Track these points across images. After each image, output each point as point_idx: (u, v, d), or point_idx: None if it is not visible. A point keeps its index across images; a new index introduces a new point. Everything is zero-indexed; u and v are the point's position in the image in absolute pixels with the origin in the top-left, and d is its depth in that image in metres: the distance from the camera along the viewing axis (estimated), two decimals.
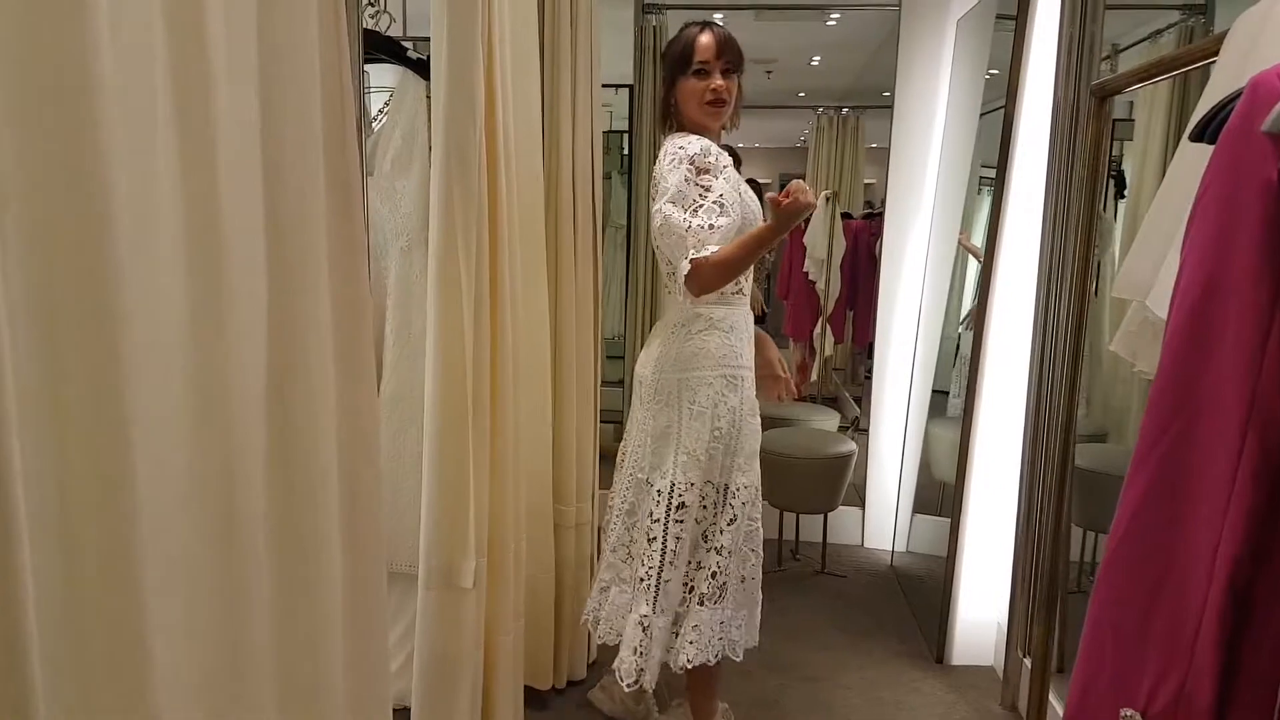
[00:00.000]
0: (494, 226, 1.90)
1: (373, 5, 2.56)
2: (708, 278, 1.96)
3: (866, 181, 4.86)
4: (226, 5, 0.91)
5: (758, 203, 2.15)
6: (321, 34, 1.08)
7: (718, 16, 4.25)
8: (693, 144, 2.04)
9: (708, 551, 2.10)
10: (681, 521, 2.07)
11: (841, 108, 4.76)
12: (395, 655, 2.34)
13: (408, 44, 2.50)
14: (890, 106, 3.75)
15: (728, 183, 2.04)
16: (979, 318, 2.73)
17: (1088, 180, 1.58)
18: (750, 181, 2.20)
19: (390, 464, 2.36)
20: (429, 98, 2.53)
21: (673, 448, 2.08)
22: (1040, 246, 2.41)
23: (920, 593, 3.35)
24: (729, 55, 2.08)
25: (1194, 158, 1.14)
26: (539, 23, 2.39)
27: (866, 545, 3.86)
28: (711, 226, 1.97)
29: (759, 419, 2.16)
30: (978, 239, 3.44)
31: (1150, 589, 0.86)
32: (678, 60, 2.09)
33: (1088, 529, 2.70)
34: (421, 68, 2.49)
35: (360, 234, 1.15)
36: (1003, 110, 3.23)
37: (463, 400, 1.83)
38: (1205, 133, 0.87)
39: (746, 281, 2.15)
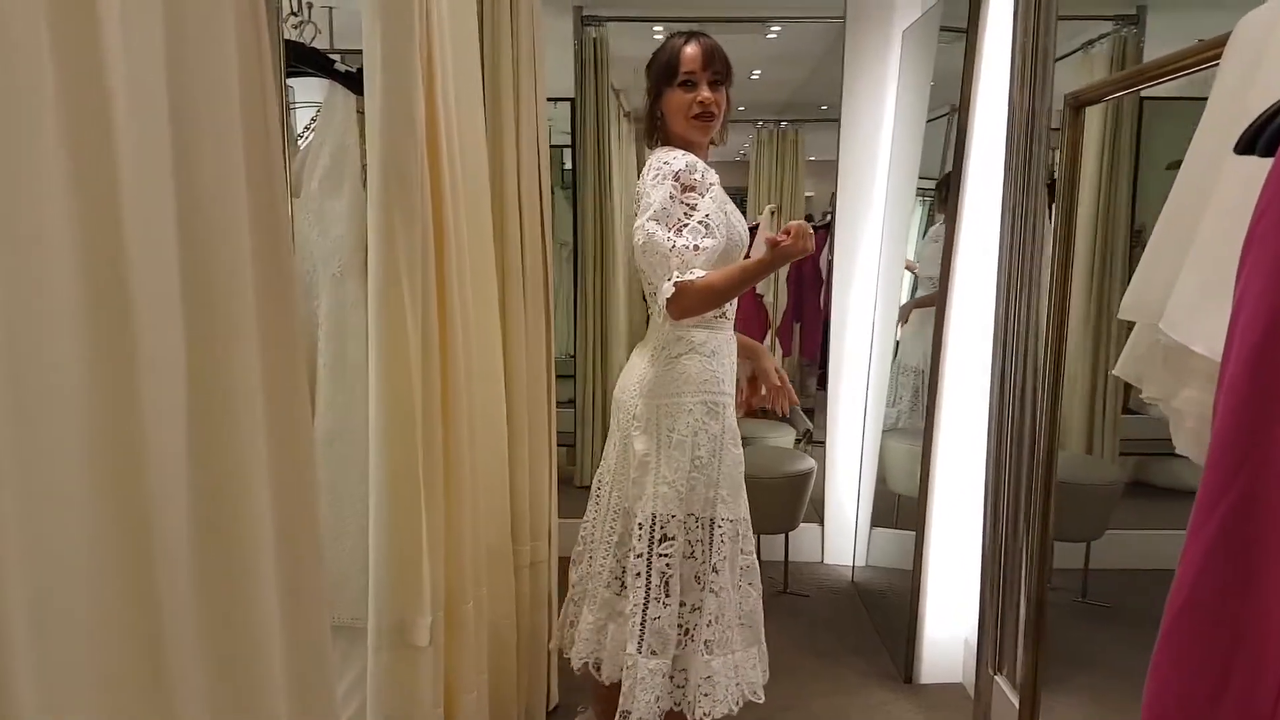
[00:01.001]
0: (440, 250, 1.77)
1: (295, 15, 2.41)
2: (690, 303, 1.87)
3: (807, 194, 4.85)
4: (124, 15, 0.77)
5: (744, 224, 2.06)
6: (240, 47, 0.94)
7: (657, 29, 4.18)
8: (679, 159, 1.94)
9: (703, 594, 1.97)
10: (666, 555, 1.95)
11: (781, 121, 4.73)
12: (346, 705, 2.18)
13: (335, 56, 2.35)
14: (831, 120, 3.72)
15: (714, 201, 1.94)
16: (936, 331, 2.68)
17: (1064, 191, 1.53)
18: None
19: (327, 510, 2.19)
20: (361, 113, 2.40)
21: (651, 477, 1.97)
22: (999, 257, 2.36)
23: (883, 609, 3.29)
24: (716, 66, 1.98)
25: (1202, 168, 1.07)
26: (479, 35, 2.26)
27: (827, 562, 3.80)
28: (696, 248, 1.87)
29: (741, 449, 2.05)
30: (913, 247, 3.41)
31: (1221, 659, 0.77)
32: (663, 71, 2.00)
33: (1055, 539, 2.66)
34: (351, 81, 2.34)
35: (289, 263, 1.01)
36: (945, 119, 3.21)
37: (412, 440, 1.69)
38: (1256, 144, 0.79)
39: (731, 306, 2.05)
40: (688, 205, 1.90)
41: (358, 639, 1.83)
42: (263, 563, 0.95)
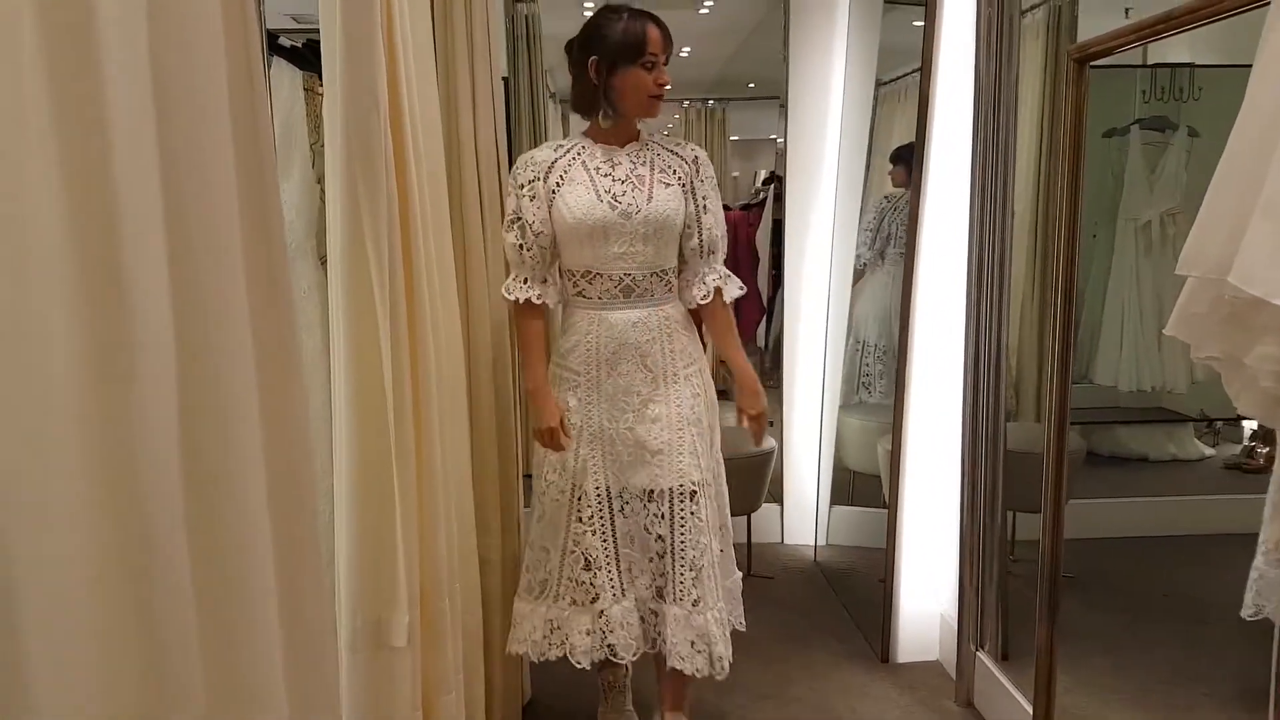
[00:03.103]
0: (406, 231, 1.67)
1: None
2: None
3: (733, 175, 4.81)
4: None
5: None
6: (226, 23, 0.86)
7: (589, 5, 4.09)
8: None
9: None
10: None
11: (708, 99, 4.69)
12: None
13: (274, 31, 2.22)
14: (758, 98, 3.68)
15: None
16: (904, 305, 2.66)
17: (1069, 152, 1.50)
18: None
19: None
20: (308, 89, 2.27)
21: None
22: (969, 229, 2.35)
23: (849, 588, 3.29)
24: (670, 49, 2.08)
25: (1264, 120, 1.03)
26: (430, 12, 2.16)
27: (787, 542, 3.78)
28: None
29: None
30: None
31: None
32: (623, 49, 2.02)
33: (1014, 510, 2.68)
34: (296, 56, 2.22)
35: (281, 245, 0.93)
36: (896, 89, 3.20)
37: (383, 431, 1.59)
38: None
39: None
40: None
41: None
42: (260, 560, 0.87)
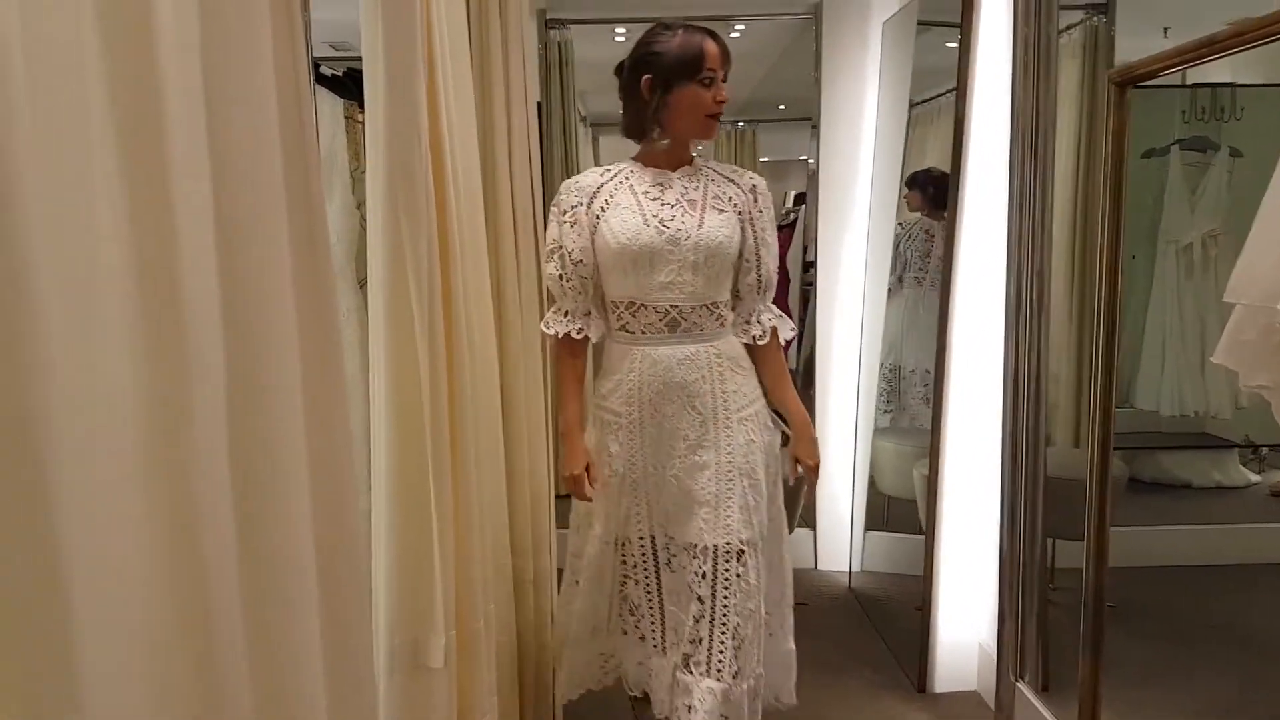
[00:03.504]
0: (445, 256, 1.69)
1: None
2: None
3: None
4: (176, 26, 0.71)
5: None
6: (275, 49, 0.88)
7: (620, 30, 4.14)
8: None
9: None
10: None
11: (738, 122, 4.70)
12: None
13: (316, 60, 2.27)
14: (787, 119, 3.69)
15: None
16: (940, 329, 2.64)
17: (1110, 177, 1.49)
18: None
19: None
20: (348, 117, 2.31)
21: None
22: (1007, 253, 2.33)
23: (885, 615, 3.24)
24: (729, 64, 1.92)
25: None
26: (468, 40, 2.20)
27: (820, 568, 3.74)
28: None
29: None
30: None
31: None
32: (679, 65, 1.88)
33: (1054, 537, 2.63)
34: (337, 85, 2.27)
35: (327, 260, 0.94)
36: (929, 112, 3.19)
37: (421, 452, 1.60)
38: None
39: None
40: None
41: None
42: (304, 579, 0.88)
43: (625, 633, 2.03)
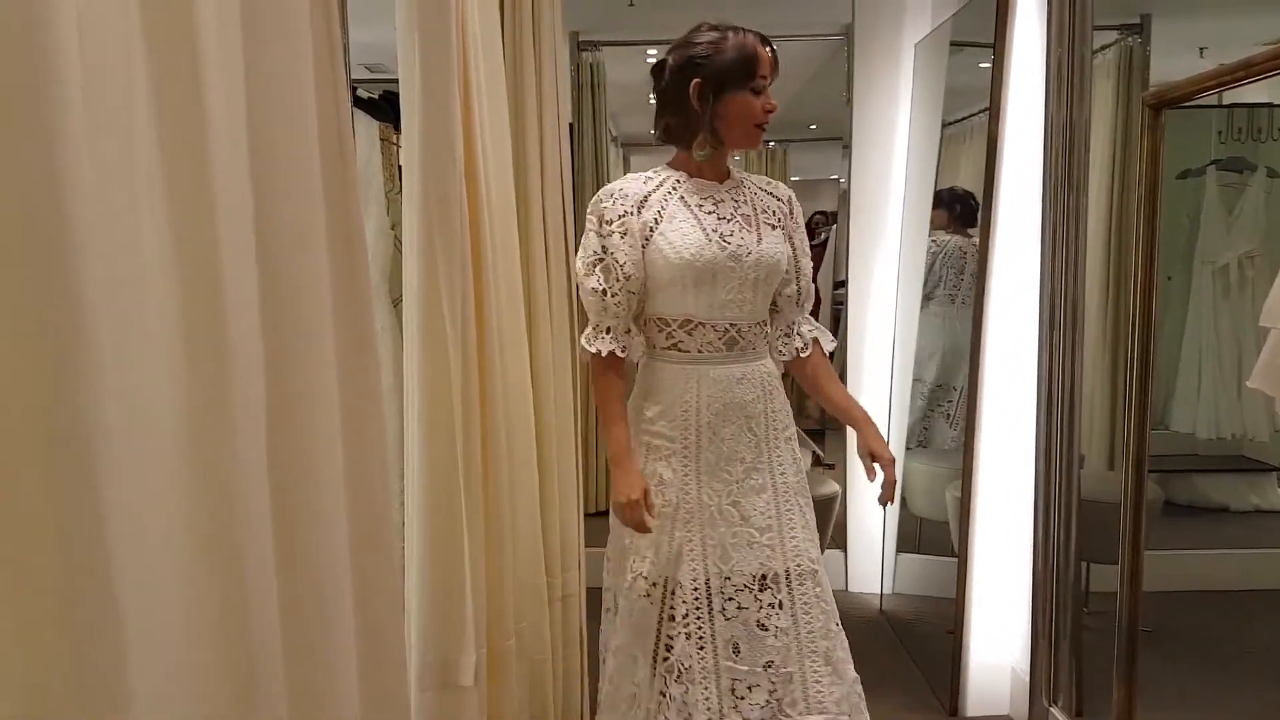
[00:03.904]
0: (479, 276, 1.71)
1: None
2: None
3: None
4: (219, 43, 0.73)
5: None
6: (316, 66, 0.90)
7: (651, 52, 4.18)
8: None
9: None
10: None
11: (769, 141, 4.72)
12: None
13: (353, 83, 2.31)
14: (818, 139, 3.70)
15: None
16: (974, 348, 2.62)
17: (1146, 199, 1.48)
18: None
19: None
20: (384, 139, 2.35)
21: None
22: (1040, 273, 2.32)
23: (916, 638, 3.21)
24: (778, 71, 1.83)
25: None
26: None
27: (851, 589, 3.71)
28: None
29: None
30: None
31: None
32: (733, 70, 1.75)
33: (1088, 560, 2.59)
34: (373, 107, 2.31)
35: (364, 269, 0.96)
36: (956, 126, 3.19)
37: (454, 469, 1.62)
38: None
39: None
40: None
41: None
42: (340, 594, 0.89)
43: (664, 694, 1.81)
